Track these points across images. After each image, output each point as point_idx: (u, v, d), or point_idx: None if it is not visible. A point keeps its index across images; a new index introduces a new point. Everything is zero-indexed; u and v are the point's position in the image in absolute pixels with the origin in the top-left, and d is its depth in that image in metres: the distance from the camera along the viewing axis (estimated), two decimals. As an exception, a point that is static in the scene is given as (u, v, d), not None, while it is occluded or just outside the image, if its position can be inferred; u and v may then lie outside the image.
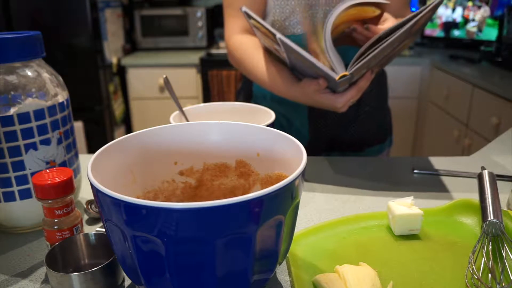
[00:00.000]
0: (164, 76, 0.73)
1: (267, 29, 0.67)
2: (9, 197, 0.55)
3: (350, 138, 0.94)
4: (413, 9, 2.70)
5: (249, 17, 0.70)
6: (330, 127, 0.92)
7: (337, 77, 0.63)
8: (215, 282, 0.36)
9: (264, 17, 0.87)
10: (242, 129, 0.51)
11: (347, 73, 0.63)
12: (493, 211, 0.53)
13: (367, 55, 0.62)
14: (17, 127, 0.53)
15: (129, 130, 2.82)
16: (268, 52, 0.80)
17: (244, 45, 0.83)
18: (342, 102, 0.69)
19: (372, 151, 0.97)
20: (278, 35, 0.65)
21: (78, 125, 2.39)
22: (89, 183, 0.37)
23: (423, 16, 0.61)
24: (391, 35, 0.61)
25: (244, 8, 0.70)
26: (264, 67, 0.79)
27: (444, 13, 2.63)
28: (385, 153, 1.00)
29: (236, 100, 1.02)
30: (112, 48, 2.54)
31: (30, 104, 0.54)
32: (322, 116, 0.91)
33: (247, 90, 0.98)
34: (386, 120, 1.00)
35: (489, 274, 0.45)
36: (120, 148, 0.46)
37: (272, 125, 0.66)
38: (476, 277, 0.44)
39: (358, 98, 0.71)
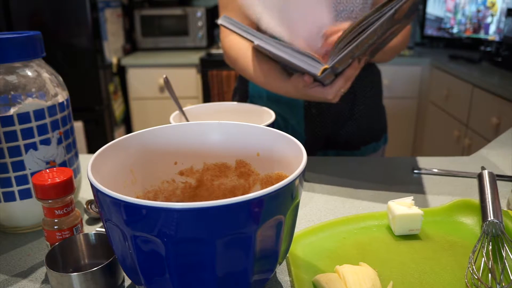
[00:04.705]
0: (164, 76, 0.73)
1: (244, 37, 0.70)
2: (9, 197, 0.55)
3: (346, 136, 0.94)
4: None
5: (228, 28, 0.72)
6: (326, 126, 0.92)
7: (318, 72, 0.64)
8: (215, 282, 0.36)
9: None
10: (242, 129, 0.51)
11: (327, 66, 0.64)
12: (493, 211, 0.53)
13: (347, 47, 0.62)
14: (17, 127, 0.53)
15: (129, 130, 2.82)
16: (258, 51, 0.80)
17: (238, 44, 0.85)
18: (332, 93, 0.70)
19: (368, 150, 0.97)
20: (256, 42, 0.67)
21: (78, 125, 2.39)
22: (89, 183, 0.37)
23: (403, 3, 0.59)
24: (370, 26, 0.60)
25: (220, 21, 0.73)
26: (257, 65, 0.80)
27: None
28: (381, 151, 1.00)
29: (232, 100, 1.02)
30: (112, 48, 2.54)
31: (30, 104, 0.54)
32: (318, 115, 0.91)
33: (243, 90, 0.98)
34: (381, 118, 1.01)
35: (489, 274, 0.45)
36: (120, 148, 0.46)
37: (272, 125, 0.66)
38: (476, 277, 0.44)
39: (348, 87, 0.72)
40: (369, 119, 0.95)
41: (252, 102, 0.95)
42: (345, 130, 0.94)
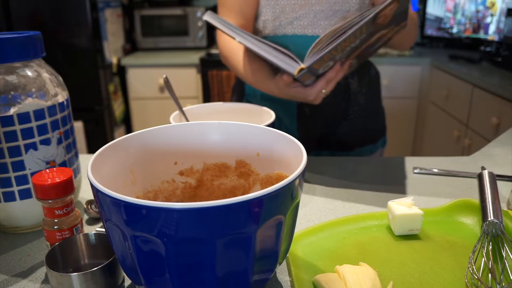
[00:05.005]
0: (164, 76, 0.73)
1: (226, 33, 0.71)
2: (9, 197, 0.55)
3: (340, 137, 0.94)
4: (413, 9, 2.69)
5: (212, 24, 0.73)
6: (319, 126, 0.92)
7: (295, 72, 0.64)
8: (215, 282, 0.36)
9: (257, 17, 0.88)
10: (242, 129, 0.51)
11: (303, 66, 0.64)
12: (493, 211, 0.53)
13: (325, 49, 0.62)
14: (17, 127, 0.53)
15: (129, 130, 2.81)
16: (250, 51, 0.81)
17: (231, 43, 0.86)
18: (313, 94, 0.71)
19: (363, 151, 0.96)
20: (238, 39, 0.68)
21: (78, 125, 2.39)
22: (89, 183, 0.37)
23: (385, 7, 0.59)
24: (349, 29, 0.60)
25: (205, 17, 0.74)
26: (247, 64, 0.81)
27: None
28: (378, 154, 0.99)
29: (231, 98, 1.03)
30: (112, 48, 2.54)
31: (30, 104, 0.54)
32: (311, 115, 0.91)
33: (240, 89, 0.99)
34: (378, 120, 0.99)
35: (489, 274, 0.45)
36: (120, 148, 0.46)
37: (272, 125, 0.66)
38: (476, 277, 0.44)
39: (331, 90, 0.72)
40: (364, 120, 0.94)
41: (247, 100, 0.96)
42: (338, 131, 0.93)
